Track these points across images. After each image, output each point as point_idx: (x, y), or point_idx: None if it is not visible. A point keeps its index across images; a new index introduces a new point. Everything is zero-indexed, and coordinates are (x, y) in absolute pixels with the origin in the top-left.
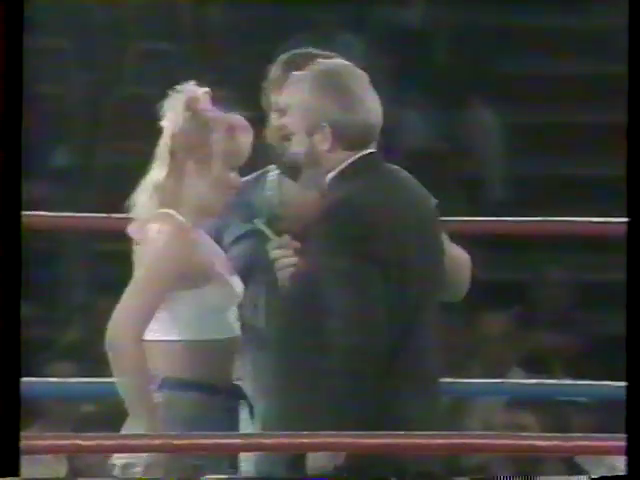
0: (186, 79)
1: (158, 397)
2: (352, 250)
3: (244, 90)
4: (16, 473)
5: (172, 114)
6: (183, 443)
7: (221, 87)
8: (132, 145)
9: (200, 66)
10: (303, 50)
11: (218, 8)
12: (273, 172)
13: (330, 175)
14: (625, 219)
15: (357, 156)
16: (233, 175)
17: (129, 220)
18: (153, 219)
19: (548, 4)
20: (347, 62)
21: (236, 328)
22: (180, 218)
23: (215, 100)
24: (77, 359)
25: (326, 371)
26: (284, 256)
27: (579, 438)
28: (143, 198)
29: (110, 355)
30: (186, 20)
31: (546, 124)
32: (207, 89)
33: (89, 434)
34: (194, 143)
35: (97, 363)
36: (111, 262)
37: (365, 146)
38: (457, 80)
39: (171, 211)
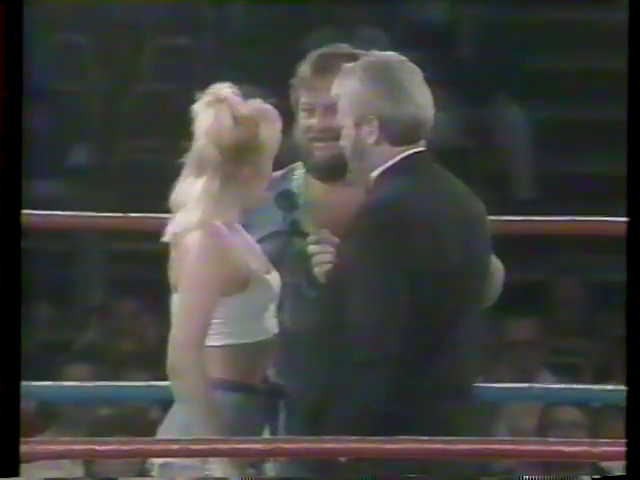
0: (206, 75)
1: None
2: (398, 250)
3: (266, 86)
4: (16, 473)
5: (215, 125)
6: (200, 448)
7: (242, 83)
8: (151, 142)
9: (220, 62)
10: (334, 47)
11: (239, 2)
12: (300, 170)
13: (377, 171)
14: (624, 219)
15: (406, 153)
16: (271, 163)
17: (147, 220)
18: (195, 228)
19: None
20: (401, 56)
21: (274, 327)
22: (220, 226)
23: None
24: (93, 362)
25: (359, 371)
26: (322, 251)
27: (608, 444)
28: (190, 209)
29: (174, 367)
30: (206, 15)
31: (576, 120)
32: (233, 86)
33: (105, 439)
34: (247, 151)
35: (113, 366)
36: (129, 262)
37: (413, 143)
38: (483, 76)
39: (215, 220)
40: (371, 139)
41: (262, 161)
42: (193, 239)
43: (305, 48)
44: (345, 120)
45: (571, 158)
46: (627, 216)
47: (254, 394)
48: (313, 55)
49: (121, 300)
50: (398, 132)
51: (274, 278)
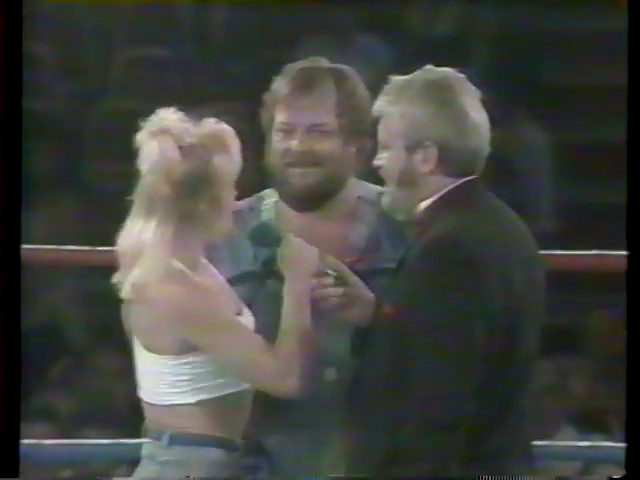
0: (184, 91)
1: (170, 454)
2: (468, 292)
3: (250, 103)
4: (16, 474)
5: (161, 159)
6: None
7: (224, 100)
8: (120, 167)
9: (200, 75)
10: (312, 61)
11: (221, 8)
12: (270, 198)
13: (426, 202)
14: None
15: (459, 182)
16: (233, 192)
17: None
18: (160, 278)
19: (598, 5)
20: (460, 75)
21: None
22: (186, 270)
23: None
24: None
25: (426, 434)
26: (328, 285)
27: None
28: (146, 256)
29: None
30: (185, 22)
31: (601, 142)
32: (175, 110)
33: None
34: (201, 183)
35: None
36: (93, 303)
37: (470, 175)
38: (497, 91)
39: (179, 266)
40: (425, 168)
41: (220, 192)
42: (164, 289)
43: (295, 59)
44: (393, 142)
45: (594, 185)
46: (627, 250)
47: (234, 450)
48: (292, 69)
49: (85, 347)
50: (458, 163)
51: (247, 320)
